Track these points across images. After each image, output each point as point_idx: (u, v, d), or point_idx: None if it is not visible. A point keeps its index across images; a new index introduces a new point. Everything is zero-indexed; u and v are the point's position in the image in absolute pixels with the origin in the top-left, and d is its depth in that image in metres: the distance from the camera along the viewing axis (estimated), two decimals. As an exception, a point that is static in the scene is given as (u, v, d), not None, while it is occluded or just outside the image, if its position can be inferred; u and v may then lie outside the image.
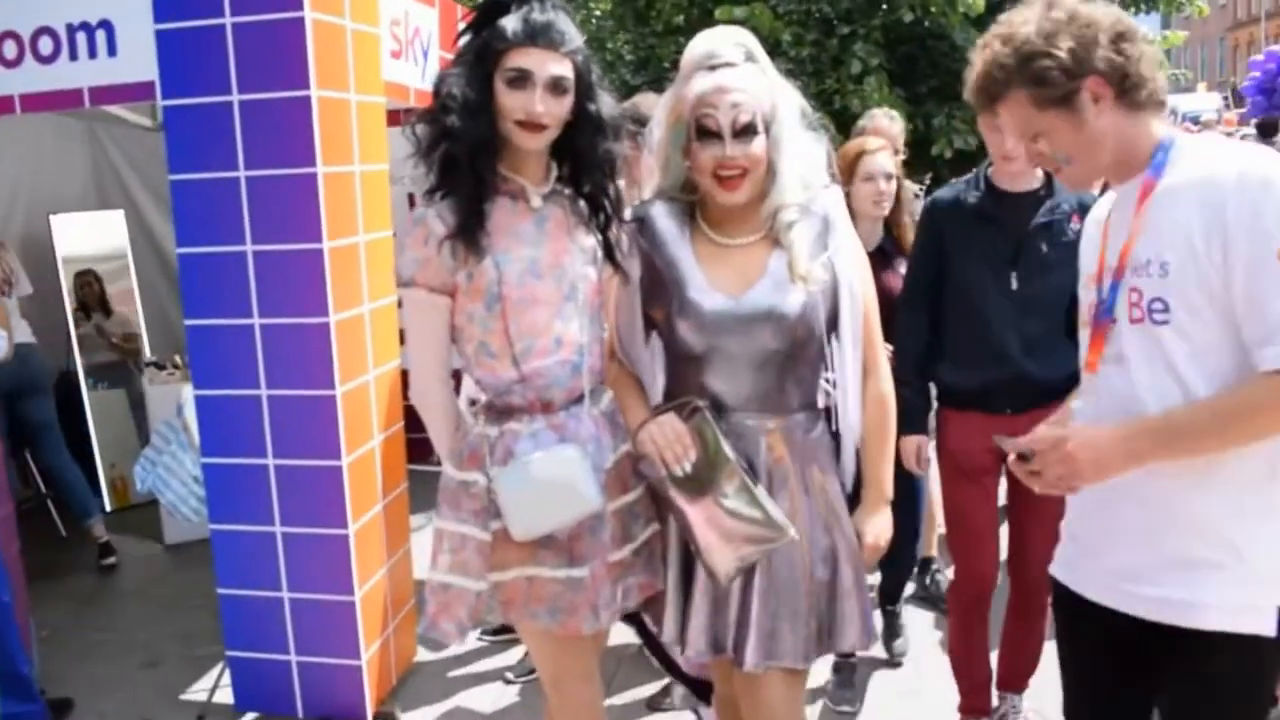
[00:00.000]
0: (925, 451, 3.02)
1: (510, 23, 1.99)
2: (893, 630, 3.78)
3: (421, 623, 2.23)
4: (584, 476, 2.03)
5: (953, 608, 3.15)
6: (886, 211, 3.49)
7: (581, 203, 2.16)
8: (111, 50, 3.28)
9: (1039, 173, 2.84)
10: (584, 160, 2.13)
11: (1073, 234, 2.79)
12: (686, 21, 9.86)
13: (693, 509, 2.01)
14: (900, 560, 3.57)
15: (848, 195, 3.09)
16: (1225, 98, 23.46)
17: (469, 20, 2.09)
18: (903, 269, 3.25)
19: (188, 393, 3.49)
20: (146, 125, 5.90)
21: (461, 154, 2.01)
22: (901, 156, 4.13)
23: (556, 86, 2.01)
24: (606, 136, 2.12)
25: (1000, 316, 2.82)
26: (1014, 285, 2.81)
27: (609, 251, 2.16)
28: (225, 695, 3.54)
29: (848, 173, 3.38)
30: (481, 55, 2.02)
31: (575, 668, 2.22)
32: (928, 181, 7.55)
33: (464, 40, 2.08)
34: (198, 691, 3.70)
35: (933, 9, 8.70)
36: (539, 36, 1.99)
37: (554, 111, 2.02)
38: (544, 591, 2.09)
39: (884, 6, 8.95)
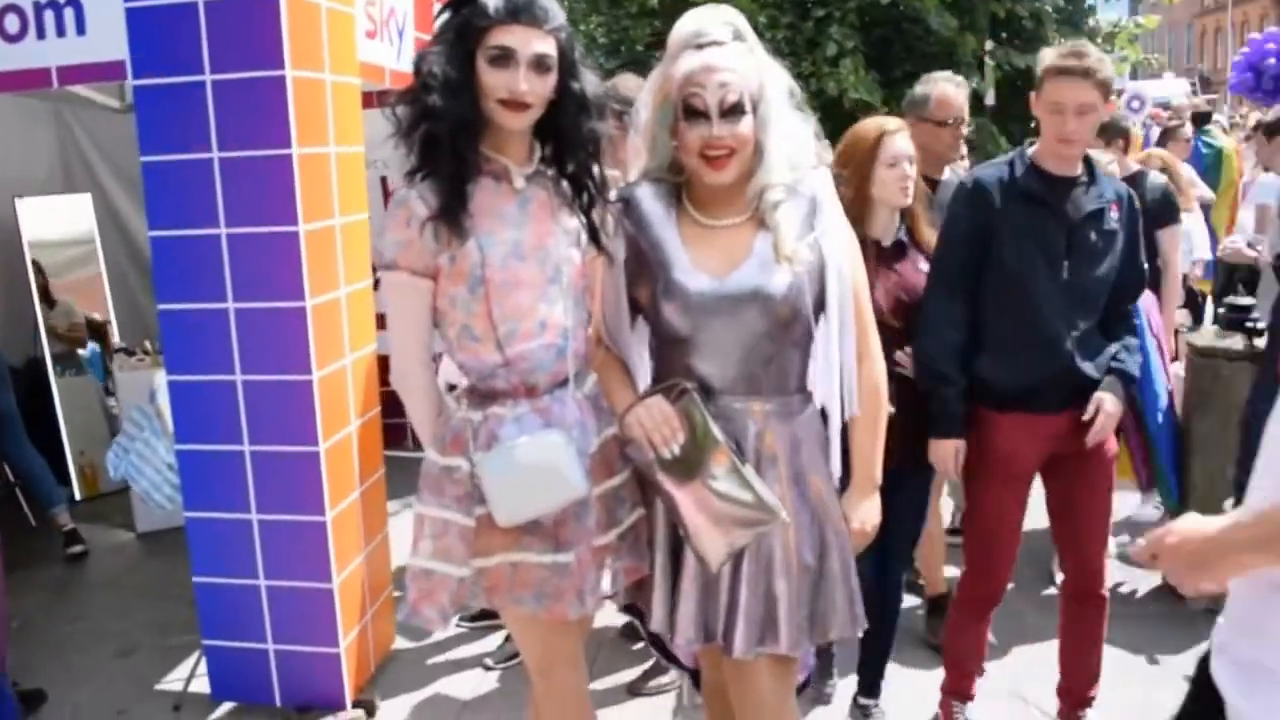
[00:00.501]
0: (962, 457, 2.78)
1: None
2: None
3: (402, 609, 2.19)
4: (569, 461, 2.01)
5: (960, 606, 3.03)
6: (910, 199, 2.96)
7: (565, 184, 2.13)
8: (80, 29, 3.23)
9: (1081, 159, 2.72)
10: (568, 140, 2.09)
11: (1112, 223, 2.73)
12: (661, 4, 9.78)
13: (681, 492, 1.99)
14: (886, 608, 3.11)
15: (867, 183, 2.89)
16: (1193, 84, 23.63)
17: (448, -3, 2.04)
18: (923, 263, 2.94)
19: (160, 379, 3.44)
20: (115, 106, 5.80)
21: (443, 134, 1.97)
22: (967, 129, 3.70)
23: (540, 64, 1.98)
24: (590, 115, 2.09)
25: (1050, 305, 2.67)
26: (1065, 274, 2.68)
27: (593, 233, 2.13)
28: (201, 685, 3.51)
29: (868, 158, 2.90)
30: (462, 33, 1.98)
31: (560, 653, 2.20)
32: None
33: (444, 18, 2.03)
34: (173, 681, 3.66)
35: (907, -8, 8.69)
36: (521, 13, 1.95)
37: (537, 90, 1.99)
38: (529, 577, 2.07)
39: (859, -11, 8.93)
